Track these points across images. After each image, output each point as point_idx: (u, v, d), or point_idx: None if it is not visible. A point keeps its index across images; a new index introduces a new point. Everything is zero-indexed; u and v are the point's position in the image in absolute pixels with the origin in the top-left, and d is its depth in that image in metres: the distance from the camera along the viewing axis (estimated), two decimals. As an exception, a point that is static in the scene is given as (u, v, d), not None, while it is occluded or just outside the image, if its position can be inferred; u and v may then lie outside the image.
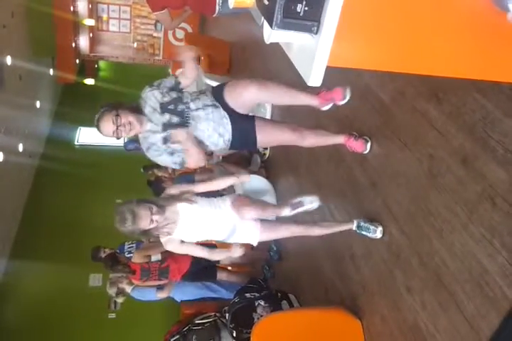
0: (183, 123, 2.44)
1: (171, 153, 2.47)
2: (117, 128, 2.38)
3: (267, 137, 2.61)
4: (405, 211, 2.38)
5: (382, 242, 2.57)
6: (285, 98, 2.59)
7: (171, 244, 2.57)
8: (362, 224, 2.67)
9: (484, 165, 1.86)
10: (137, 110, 2.46)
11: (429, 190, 2.19)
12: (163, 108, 2.44)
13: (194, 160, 2.48)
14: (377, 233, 2.58)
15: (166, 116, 2.43)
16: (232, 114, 2.53)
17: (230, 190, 4.01)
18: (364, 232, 2.65)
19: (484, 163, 1.87)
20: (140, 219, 2.34)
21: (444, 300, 2.07)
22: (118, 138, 2.42)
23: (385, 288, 2.55)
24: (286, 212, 2.60)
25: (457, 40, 1.34)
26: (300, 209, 2.60)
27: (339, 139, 2.79)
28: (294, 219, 2.78)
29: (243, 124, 2.56)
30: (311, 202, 2.59)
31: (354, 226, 2.72)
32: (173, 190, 2.64)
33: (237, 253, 2.66)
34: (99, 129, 2.41)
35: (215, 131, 2.50)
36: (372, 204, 2.69)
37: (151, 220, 2.37)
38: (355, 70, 2.58)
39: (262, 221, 2.68)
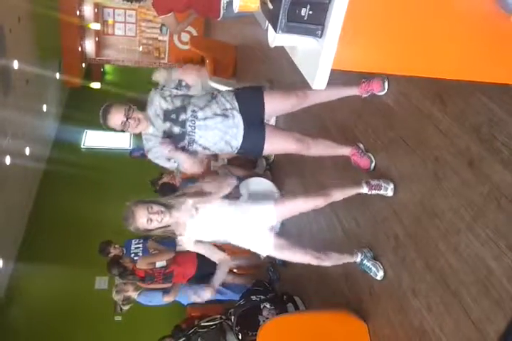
0: (184, 134, 2.48)
1: (168, 159, 2.53)
2: (127, 120, 2.41)
3: (273, 146, 2.63)
4: (410, 213, 2.38)
5: (388, 245, 2.57)
6: (331, 96, 2.74)
7: (187, 244, 2.56)
8: (365, 262, 2.70)
9: (490, 167, 1.86)
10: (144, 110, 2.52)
11: (434, 192, 2.18)
12: (166, 116, 2.48)
13: (187, 166, 2.53)
14: (378, 276, 2.63)
15: (167, 124, 2.48)
16: (251, 122, 2.54)
17: (235, 192, 4.01)
18: (366, 269, 2.70)
19: (490, 164, 1.86)
20: (138, 218, 2.35)
21: (449, 302, 2.07)
22: (124, 131, 2.45)
23: (390, 291, 2.55)
24: (364, 190, 2.59)
25: (462, 43, 1.34)
26: (375, 192, 2.57)
27: (345, 151, 2.81)
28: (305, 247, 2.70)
29: (255, 134, 2.58)
30: (386, 190, 2.54)
31: (358, 260, 2.74)
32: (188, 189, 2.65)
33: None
34: (106, 118, 2.43)
35: (221, 139, 2.53)
36: (378, 206, 2.69)
37: (149, 219, 2.35)
38: (359, 72, 2.58)
39: (279, 237, 2.61)
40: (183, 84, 2.56)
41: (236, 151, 2.61)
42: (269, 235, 2.58)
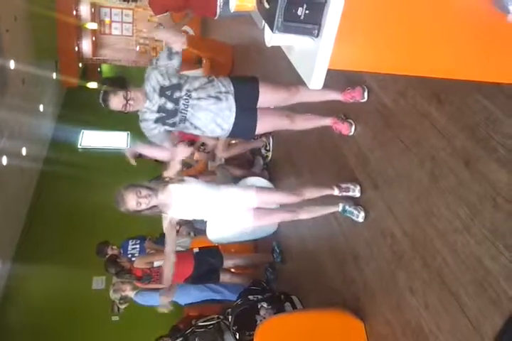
0: (177, 111, 2.61)
1: (159, 131, 2.69)
2: (127, 102, 2.56)
3: (264, 125, 2.77)
4: (407, 212, 2.38)
5: (385, 243, 2.57)
6: (317, 97, 2.88)
7: (164, 221, 2.80)
8: (347, 208, 2.86)
9: (486, 166, 1.87)
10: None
11: (431, 191, 2.19)
12: (162, 91, 2.60)
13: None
14: (360, 218, 2.78)
15: (162, 100, 2.60)
16: (245, 107, 2.66)
17: (227, 182, 4.01)
18: (348, 215, 2.85)
19: (486, 163, 1.87)
20: (128, 201, 2.57)
21: (446, 301, 2.07)
22: (125, 112, 2.59)
23: (387, 290, 2.55)
24: (336, 192, 2.85)
25: (458, 42, 1.34)
26: (346, 194, 2.83)
27: (327, 121, 2.95)
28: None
29: (248, 119, 2.70)
30: (353, 191, 2.82)
31: (340, 209, 2.91)
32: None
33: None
34: (107, 105, 2.60)
35: (212, 121, 2.65)
36: (374, 205, 2.69)
37: (138, 202, 2.57)
38: (356, 72, 2.59)
39: (256, 209, 2.84)
40: (173, 51, 2.64)
41: (228, 134, 2.75)
42: (248, 212, 2.81)
